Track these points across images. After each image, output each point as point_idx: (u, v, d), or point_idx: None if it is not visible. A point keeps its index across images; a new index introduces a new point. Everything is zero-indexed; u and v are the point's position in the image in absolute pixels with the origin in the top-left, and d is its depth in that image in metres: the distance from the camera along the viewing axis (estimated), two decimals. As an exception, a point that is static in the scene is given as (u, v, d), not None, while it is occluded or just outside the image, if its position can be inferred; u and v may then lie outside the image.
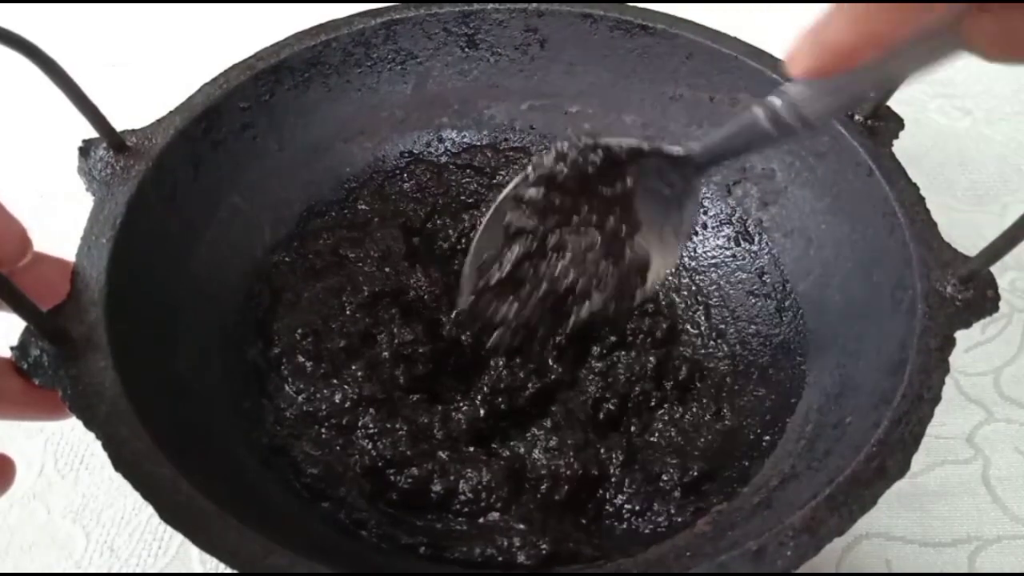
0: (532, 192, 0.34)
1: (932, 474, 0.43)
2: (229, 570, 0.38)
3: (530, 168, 0.34)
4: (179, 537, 0.39)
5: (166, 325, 0.35)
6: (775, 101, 0.29)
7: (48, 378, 0.29)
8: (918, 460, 0.40)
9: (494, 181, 0.47)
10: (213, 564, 0.40)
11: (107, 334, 0.30)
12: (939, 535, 0.41)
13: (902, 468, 0.28)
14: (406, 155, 0.47)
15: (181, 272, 0.38)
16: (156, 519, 0.40)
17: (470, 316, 0.36)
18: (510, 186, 0.34)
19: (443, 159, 0.48)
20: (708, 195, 0.46)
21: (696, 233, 0.46)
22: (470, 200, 0.47)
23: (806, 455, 0.33)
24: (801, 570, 0.38)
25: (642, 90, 0.46)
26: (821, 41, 0.22)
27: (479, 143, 0.48)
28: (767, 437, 0.37)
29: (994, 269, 0.32)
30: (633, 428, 0.40)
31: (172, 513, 0.26)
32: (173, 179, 0.37)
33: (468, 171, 0.48)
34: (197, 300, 0.38)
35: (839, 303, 0.38)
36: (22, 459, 0.43)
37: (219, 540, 0.26)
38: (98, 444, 0.43)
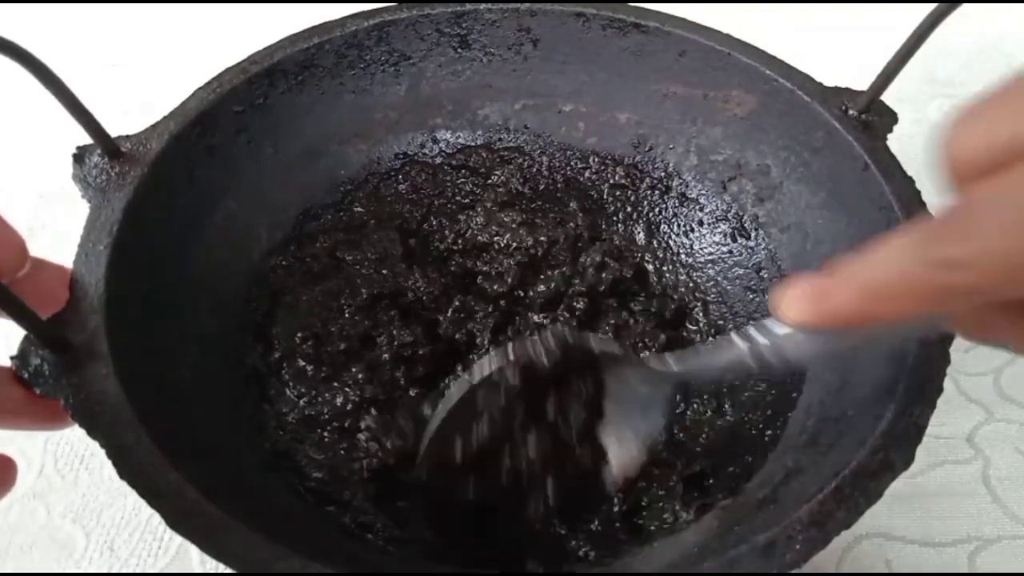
0: (510, 381, 0.33)
1: (932, 474, 0.43)
2: (229, 570, 0.39)
3: (511, 355, 0.33)
4: (179, 537, 0.40)
5: (165, 331, 0.35)
6: (761, 340, 0.28)
7: (49, 387, 0.29)
8: (918, 460, 0.40)
9: (489, 181, 0.47)
10: (213, 564, 0.39)
11: (107, 341, 0.30)
12: (939, 535, 0.41)
13: (907, 460, 0.28)
14: (401, 156, 0.47)
15: (179, 278, 0.37)
16: (156, 519, 0.40)
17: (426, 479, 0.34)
18: (489, 368, 0.33)
19: (438, 160, 0.48)
20: (704, 192, 0.46)
21: (692, 230, 0.46)
22: (465, 201, 0.47)
23: (809, 449, 0.33)
24: (801, 569, 0.38)
25: (636, 88, 0.46)
26: (824, 303, 0.22)
27: (473, 143, 0.48)
28: (769, 432, 0.37)
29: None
30: None
31: (179, 520, 0.26)
32: (169, 184, 0.37)
33: (463, 172, 0.48)
34: (195, 305, 0.38)
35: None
36: (22, 459, 0.44)
37: (227, 546, 0.26)
38: (98, 444, 0.44)
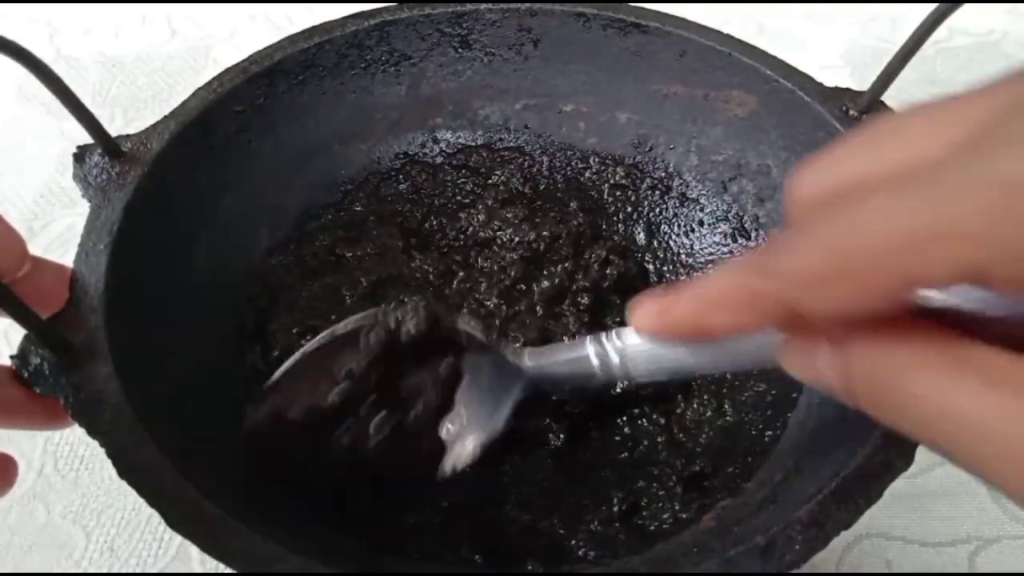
0: (374, 340, 0.32)
1: (932, 474, 0.43)
2: (229, 570, 0.39)
3: (380, 316, 0.32)
4: (179, 537, 0.40)
5: (166, 331, 0.35)
6: (609, 348, 0.30)
7: (49, 386, 0.29)
8: (918, 460, 0.40)
9: (489, 181, 0.47)
10: (213, 564, 0.39)
11: (107, 341, 0.30)
12: (939, 535, 0.41)
13: (907, 460, 0.28)
14: (401, 156, 0.47)
15: (179, 277, 0.37)
16: (156, 519, 0.40)
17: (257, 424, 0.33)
18: (355, 320, 0.33)
19: (438, 160, 0.48)
20: (704, 192, 0.46)
21: (693, 230, 0.46)
22: (466, 200, 0.47)
23: (810, 449, 0.33)
24: (801, 570, 0.38)
25: (636, 88, 0.46)
26: (666, 314, 0.25)
27: (474, 143, 0.48)
28: (769, 432, 0.37)
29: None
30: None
31: (179, 520, 0.26)
32: (169, 184, 0.37)
33: (463, 171, 0.48)
34: (196, 305, 0.38)
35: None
36: (22, 459, 0.43)
37: (228, 546, 0.26)
38: (98, 444, 0.44)
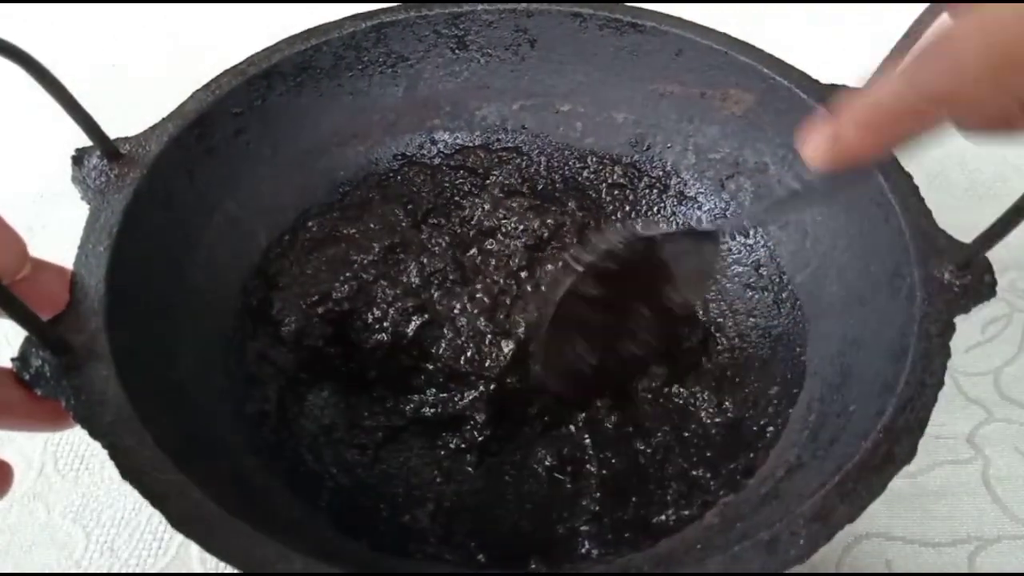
0: (592, 291, 0.35)
1: (932, 474, 0.43)
2: (229, 570, 0.38)
3: (581, 265, 0.35)
4: (179, 537, 0.40)
5: (166, 332, 0.35)
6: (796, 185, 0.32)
7: (50, 388, 0.29)
8: (918, 460, 0.40)
9: (487, 181, 0.48)
10: (213, 564, 0.40)
11: (108, 343, 0.30)
12: (939, 535, 0.41)
13: (909, 453, 0.28)
14: (399, 157, 0.47)
15: (179, 279, 0.37)
16: (156, 519, 0.41)
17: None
18: (566, 285, 0.35)
19: (436, 161, 0.48)
20: (702, 190, 0.46)
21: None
22: (464, 201, 0.47)
23: (811, 445, 0.34)
24: (801, 569, 0.38)
25: (633, 87, 0.46)
26: (838, 144, 0.26)
27: (471, 144, 0.48)
28: (771, 428, 0.37)
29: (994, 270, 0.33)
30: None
31: (182, 520, 0.26)
32: (168, 186, 0.37)
33: (461, 172, 0.48)
34: (196, 306, 0.38)
35: (837, 293, 0.39)
36: (22, 459, 0.44)
37: (229, 545, 0.26)
38: (99, 445, 0.43)
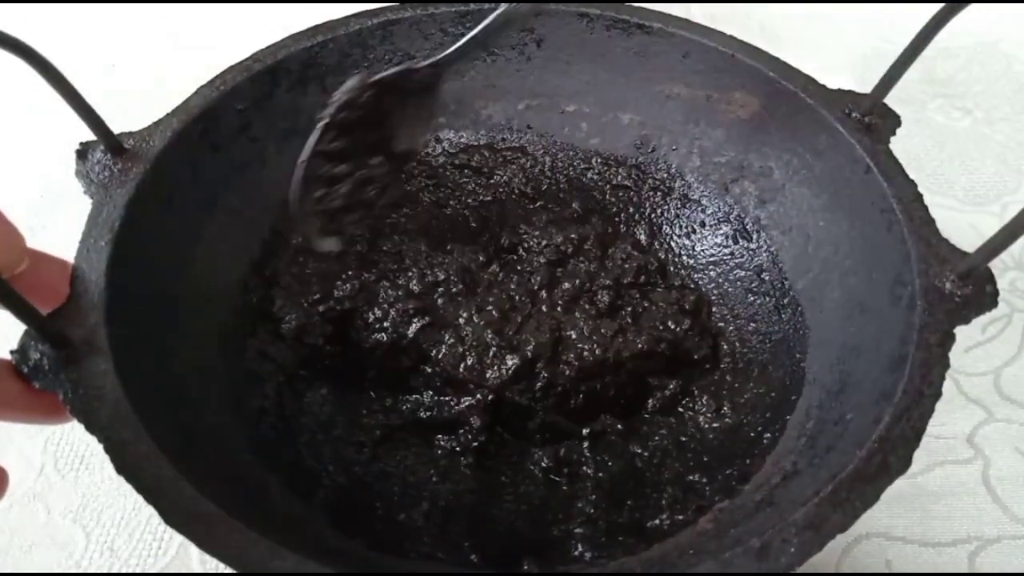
0: (336, 145, 0.36)
1: (932, 474, 0.43)
2: (229, 570, 0.38)
3: (326, 120, 0.35)
4: (179, 537, 0.39)
5: (166, 327, 0.35)
6: None
7: (48, 381, 0.29)
8: (918, 460, 0.40)
9: (491, 180, 0.48)
10: (213, 564, 0.40)
11: (107, 338, 0.30)
12: (939, 535, 0.41)
13: (904, 463, 0.28)
14: (404, 156, 0.47)
15: (180, 274, 0.37)
16: (156, 519, 0.39)
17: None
18: (311, 143, 0.35)
19: (440, 159, 0.48)
20: (706, 193, 0.46)
21: (694, 232, 0.46)
22: (469, 199, 0.47)
23: (807, 452, 0.33)
24: (801, 570, 0.38)
25: (639, 89, 0.46)
26: None
27: (476, 143, 0.48)
28: (768, 434, 0.37)
29: (994, 269, 0.32)
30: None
31: (176, 517, 0.26)
32: (171, 182, 0.37)
33: (466, 171, 0.48)
34: (196, 302, 0.38)
35: (838, 300, 0.38)
36: (22, 459, 0.44)
37: (224, 543, 0.26)
38: (99, 445, 0.43)
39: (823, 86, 0.41)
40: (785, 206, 0.43)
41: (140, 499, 0.40)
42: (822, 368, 0.37)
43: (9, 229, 0.29)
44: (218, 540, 0.26)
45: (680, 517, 0.35)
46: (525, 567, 0.33)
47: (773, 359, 0.40)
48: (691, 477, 0.37)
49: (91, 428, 0.28)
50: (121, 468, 0.27)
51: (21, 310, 0.28)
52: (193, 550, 0.41)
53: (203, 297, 0.38)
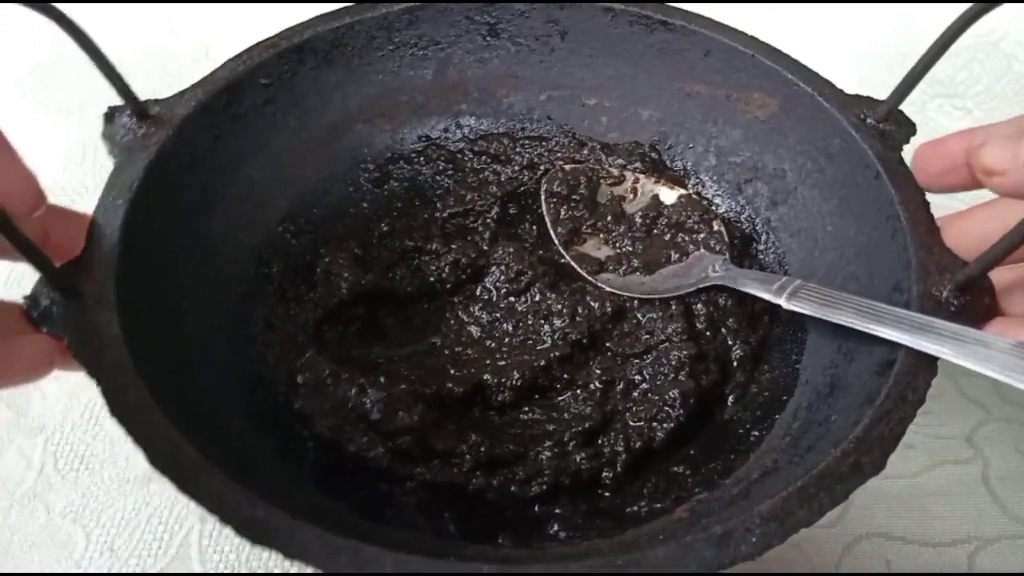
0: None
1: (932, 474, 0.43)
2: (229, 570, 0.40)
3: None
4: (179, 537, 0.41)
5: (175, 289, 0.37)
6: None
7: (56, 328, 0.30)
8: (918, 460, 0.40)
9: (508, 168, 0.48)
10: (213, 564, 0.41)
11: (115, 292, 0.31)
12: (939, 535, 0.41)
13: (877, 466, 0.28)
14: (423, 139, 0.48)
15: (194, 239, 0.39)
16: (156, 519, 0.42)
17: None
18: None
19: (460, 144, 0.49)
20: (719, 192, 0.46)
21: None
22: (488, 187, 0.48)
23: (789, 451, 0.34)
24: (801, 570, 0.38)
25: (660, 85, 0.46)
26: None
27: (496, 131, 0.49)
28: (755, 432, 0.37)
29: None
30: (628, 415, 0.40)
31: (162, 461, 0.27)
32: (192, 148, 0.39)
33: (484, 158, 0.49)
34: (208, 268, 0.39)
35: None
36: (22, 459, 0.45)
37: (203, 488, 0.27)
38: (98, 445, 0.44)
39: (840, 90, 0.41)
40: (796, 209, 0.43)
41: (140, 499, 0.42)
42: (815, 371, 0.37)
43: (24, 171, 0.30)
44: (197, 484, 0.27)
45: (658, 505, 0.35)
46: (500, 540, 0.34)
47: (769, 360, 0.40)
48: (676, 468, 0.37)
49: (92, 372, 0.29)
50: (114, 411, 0.28)
51: (34, 258, 0.29)
52: (193, 550, 0.41)
53: (215, 263, 0.40)
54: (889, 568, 0.40)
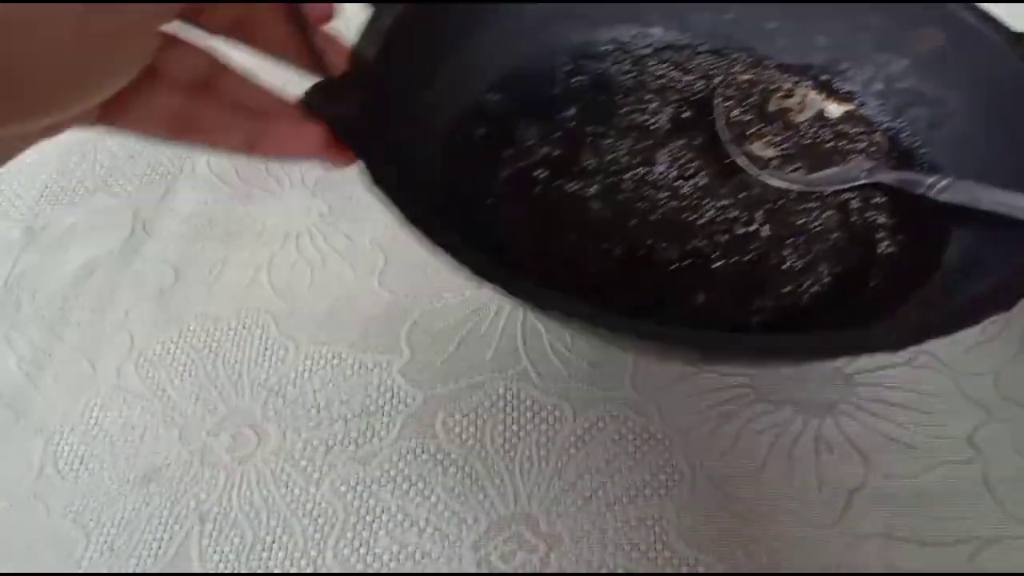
0: None
1: (932, 474, 0.43)
2: (229, 571, 0.41)
3: None
4: (179, 537, 0.42)
5: (413, 126, 0.42)
6: None
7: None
8: (918, 460, 0.41)
9: (687, 77, 0.53)
10: (213, 564, 0.41)
11: (364, 119, 0.36)
12: (939, 535, 0.41)
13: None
14: (613, 42, 0.54)
15: (433, 84, 0.45)
16: (156, 519, 0.43)
17: None
18: None
19: (646, 52, 0.54)
20: (882, 112, 0.50)
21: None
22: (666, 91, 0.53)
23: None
24: (801, 570, 0.39)
25: (835, 15, 0.50)
26: None
27: (679, 44, 0.54)
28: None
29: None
30: None
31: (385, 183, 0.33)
32: (427, 12, 0.44)
33: (666, 65, 0.54)
34: (443, 109, 0.45)
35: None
36: (22, 459, 0.45)
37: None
38: (98, 445, 0.46)
39: (1007, 27, 0.44)
40: (956, 134, 0.46)
41: (140, 499, 0.44)
42: (955, 258, 0.41)
43: None
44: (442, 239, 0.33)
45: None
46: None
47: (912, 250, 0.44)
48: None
49: (360, 153, 0.35)
50: (375, 183, 0.34)
51: (316, 62, 0.35)
52: (193, 550, 0.41)
53: (451, 104, 0.46)
54: (889, 568, 0.40)
